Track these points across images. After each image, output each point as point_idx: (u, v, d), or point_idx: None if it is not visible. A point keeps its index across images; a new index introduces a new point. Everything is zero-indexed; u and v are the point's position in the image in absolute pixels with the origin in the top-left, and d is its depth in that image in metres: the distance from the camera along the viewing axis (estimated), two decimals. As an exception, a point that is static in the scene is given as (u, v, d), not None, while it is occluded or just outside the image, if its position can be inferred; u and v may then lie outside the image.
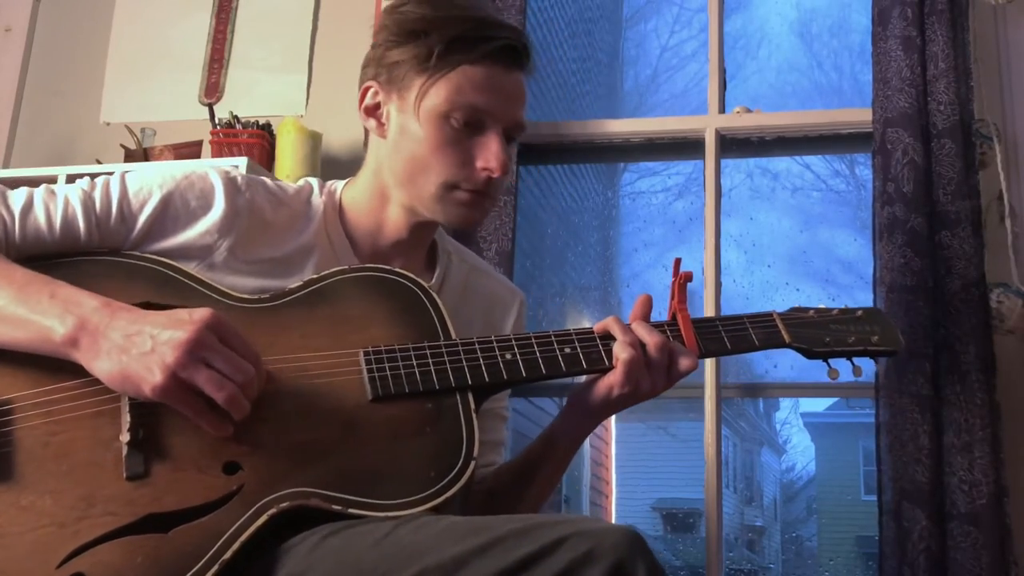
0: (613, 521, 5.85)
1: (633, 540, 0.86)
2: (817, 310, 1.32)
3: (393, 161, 1.26)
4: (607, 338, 1.20)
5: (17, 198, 1.17)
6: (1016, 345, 2.02)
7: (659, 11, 5.05)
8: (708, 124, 2.41)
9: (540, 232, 3.12)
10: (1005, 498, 1.86)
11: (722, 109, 2.43)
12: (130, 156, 2.41)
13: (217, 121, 2.39)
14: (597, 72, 4.82)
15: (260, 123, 2.39)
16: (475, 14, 1.26)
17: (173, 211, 1.19)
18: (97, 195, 1.18)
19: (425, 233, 1.33)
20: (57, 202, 1.17)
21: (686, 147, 2.50)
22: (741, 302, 2.67)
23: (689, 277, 1.25)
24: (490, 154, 1.22)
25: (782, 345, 1.27)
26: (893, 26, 2.11)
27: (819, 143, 2.45)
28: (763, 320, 1.28)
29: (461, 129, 1.22)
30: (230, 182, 1.23)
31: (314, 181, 1.34)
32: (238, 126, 2.38)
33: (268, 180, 1.30)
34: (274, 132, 2.37)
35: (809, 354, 1.28)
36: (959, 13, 2.10)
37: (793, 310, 1.32)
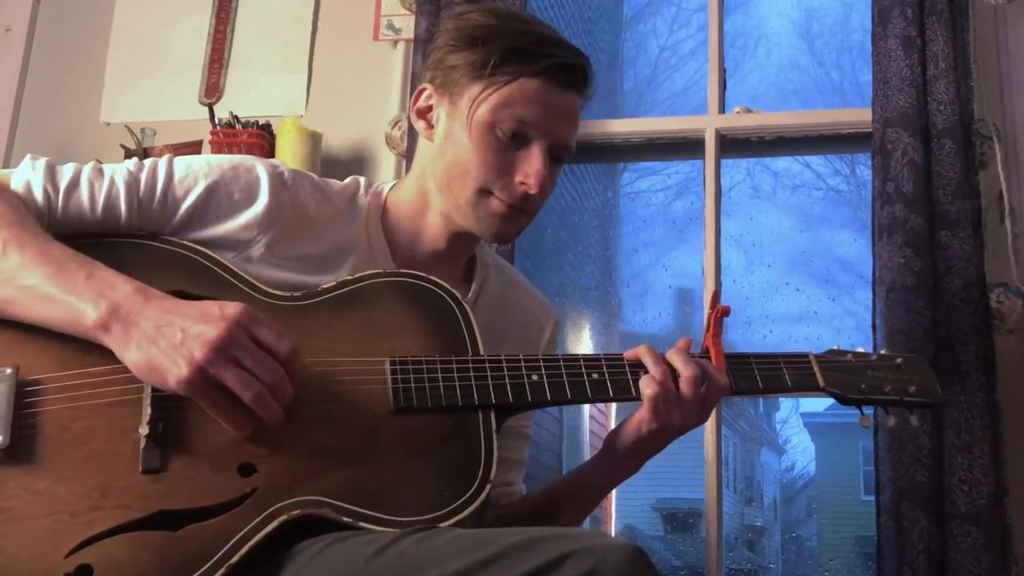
0: (613, 521, 5.84)
1: (637, 559, 0.85)
2: (855, 354, 1.29)
3: (436, 165, 1.25)
4: (637, 367, 1.17)
5: (65, 174, 1.16)
6: (1016, 345, 2.01)
7: (659, 11, 5.05)
8: (708, 124, 2.41)
9: (540, 232, 3.12)
10: (1005, 498, 1.85)
11: (722, 109, 2.42)
12: (130, 156, 2.40)
13: (217, 121, 2.39)
14: (597, 72, 4.80)
15: (260, 123, 2.39)
16: (538, 29, 1.25)
17: (216, 201, 1.18)
18: (143, 178, 1.18)
19: (463, 245, 1.31)
20: (103, 182, 1.16)
21: (686, 147, 2.50)
22: (741, 302, 2.67)
23: (727, 312, 1.22)
24: (530, 169, 1.21)
25: (815, 389, 1.24)
26: (893, 26, 2.10)
27: (819, 143, 2.44)
28: (798, 361, 1.25)
29: (507, 141, 1.21)
30: (276, 176, 1.22)
31: (361, 179, 1.33)
32: (238, 126, 2.38)
33: (314, 176, 1.29)
34: (274, 132, 2.37)
35: (842, 400, 1.25)
36: (959, 13, 2.09)
37: (831, 352, 1.29)
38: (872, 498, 1.95)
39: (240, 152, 2.32)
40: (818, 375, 1.24)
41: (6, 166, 2.66)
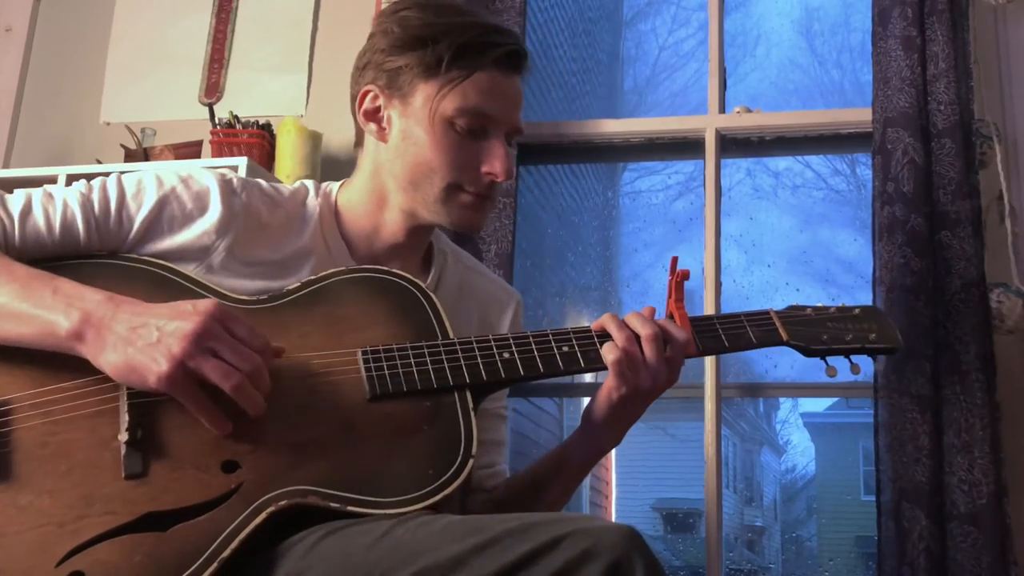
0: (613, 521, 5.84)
1: (631, 538, 0.86)
2: (815, 308, 1.33)
3: (395, 165, 1.27)
4: (605, 336, 1.20)
5: (16, 201, 1.17)
6: (1016, 345, 2.01)
7: (659, 11, 5.05)
8: (708, 124, 2.41)
9: (540, 232, 3.12)
10: (1005, 498, 1.86)
11: (722, 109, 2.42)
12: (130, 156, 2.41)
13: (217, 121, 2.39)
14: (597, 72, 4.82)
15: (260, 123, 2.39)
16: (479, 20, 1.27)
17: (169, 213, 1.20)
18: (95, 197, 1.19)
19: (422, 236, 1.34)
20: (56, 204, 1.17)
21: (686, 147, 2.50)
22: (741, 302, 2.67)
23: (686, 275, 1.25)
24: (495, 159, 1.24)
25: (779, 343, 1.28)
26: (893, 26, 2.11)
27: (819, 143, 2.45)
28: (760, 318, 1.29)
29: (465, 134, 1.24)
30: (226, 184, 1.24)
31: (309, 183, 1.34)
32: (238, 126, 2.38)
33: (263, 182, 1.30)
34: (274, 132, 2.37)
35: (806, 352, 1.29)
36: (959, 13, 2.10)
37: (791, 308, 1.32)
38: (872, 498, 1.95)
39: (240, 152, 2.32)
40: (781, 330, 1.28)
41: (6, 166, 2.66)
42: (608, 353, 1.17)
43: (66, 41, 2.76)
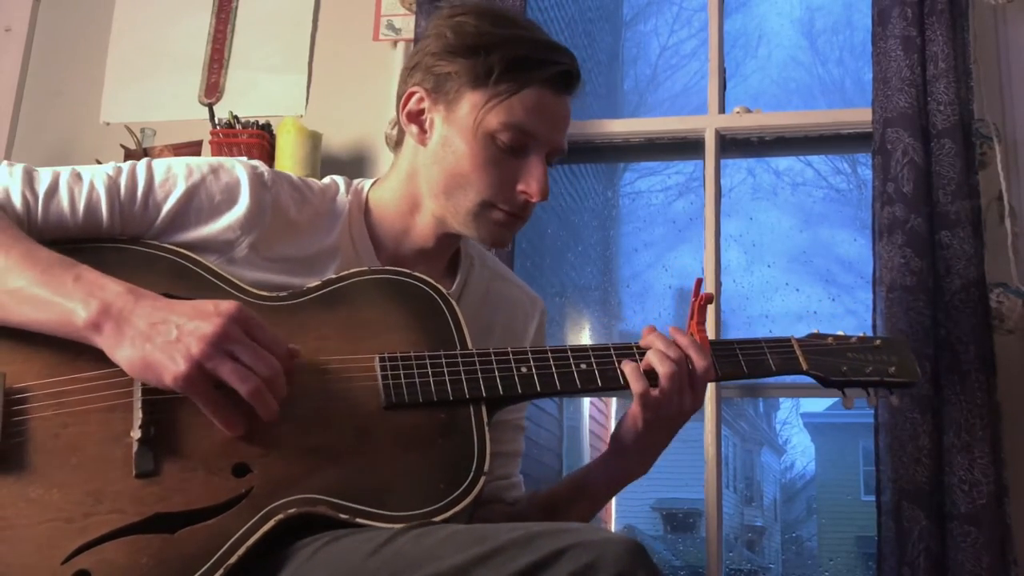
0: (613, 521, 5.84)
1: (635, 551, 0.85)
2: (836, 337, 1.32)
3: (431, 171, 1.25)
4: (624, 355, 1.19)
5: (43, 180, 1.15)
6: (1016, 345, 2.01)
7: (659, 11, 5.05)
8: (708, 124, 2.40)
9: (540, 232, 3.12)
10: (1005, 498, 1.85)
11: (722, 109, 2.42)
12: (130, 156, 2.41)
13: (217, 121, 2.39)
14: (597, 72, 4.82)
15: (260, 123, 2.39)
16: (536, 36, 1.25)
17: (197, 203, 1.18)
18: (123, 181, 1.17)
19: (450, 242, 1.32)
20: (82, 186, 1.15)
21: (686, 147, 2.50)
22: (741, 302, 2.67)
23: (710, 299, 1.24)
24: (532, 179, 1.22)
25: (799, 372, 1.27)
26: (893, 26, 2.10)
27: (819, 143, 2.44)
28: (781, 345, 1.28)
29: (506, 149, 1.21)
30: (256, 177, 1.21)
31: (340, 179, 1.32)
32: (238, 126, 2.38)
33: (294, 176, 1.28)
34: (274, 132, 2.37)
35: (826, 383, 1.28)
36: (959, 13, 2.09)
37: (812, 336, 1.31)
38: (872, 498, 1.95)
39: (240, 153, 2.32)
40: (801, 359, 1.27)
41: (6, 166, 2.65)
42: (635, 383, 1.16)
43: (66, 41, 2.75)
